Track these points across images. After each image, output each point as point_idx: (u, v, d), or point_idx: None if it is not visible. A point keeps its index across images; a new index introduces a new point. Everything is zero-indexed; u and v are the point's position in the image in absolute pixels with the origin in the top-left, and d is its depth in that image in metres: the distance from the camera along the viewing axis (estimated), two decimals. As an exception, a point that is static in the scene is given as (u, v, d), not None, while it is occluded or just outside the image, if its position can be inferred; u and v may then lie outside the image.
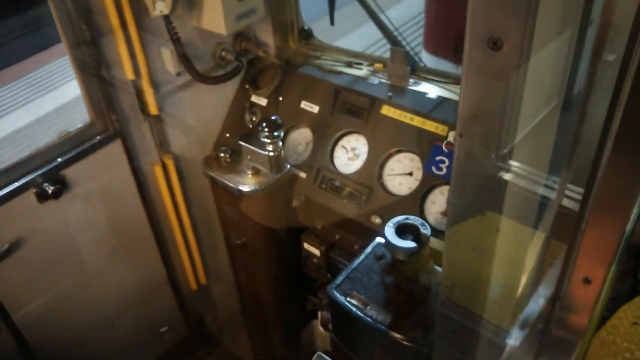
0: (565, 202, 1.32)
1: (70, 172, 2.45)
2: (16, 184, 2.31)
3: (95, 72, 2.39)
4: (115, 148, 2.58)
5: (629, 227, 0.88)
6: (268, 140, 2.38)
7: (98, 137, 2.51)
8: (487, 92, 0.93)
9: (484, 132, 0.98)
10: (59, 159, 2.41)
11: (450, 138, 2.17)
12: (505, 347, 1.26)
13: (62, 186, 2.41)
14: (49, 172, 2.38)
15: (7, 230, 2.35)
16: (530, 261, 1.44)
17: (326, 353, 3.26)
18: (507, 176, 1.09)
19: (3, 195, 2.28)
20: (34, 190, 2.35)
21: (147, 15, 2.29)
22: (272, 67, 2.74)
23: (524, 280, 1.44)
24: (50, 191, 2.36)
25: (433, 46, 2.37)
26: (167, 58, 2.45)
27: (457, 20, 2.07)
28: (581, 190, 1.19)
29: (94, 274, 2.80)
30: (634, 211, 0.85)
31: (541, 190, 1.31)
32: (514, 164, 1.10)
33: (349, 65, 2.62)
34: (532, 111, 1.05)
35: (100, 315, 2.94)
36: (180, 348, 3.50)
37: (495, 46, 0.86)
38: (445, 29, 2.17)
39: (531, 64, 0.89)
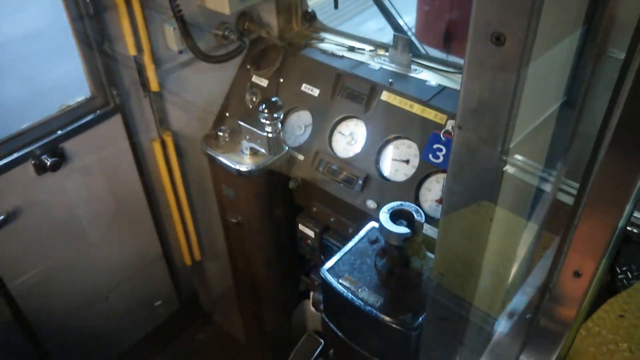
0: (560, 195, 1.34)
1: (69, 145, 2.46)
2: (15, 155, 2.31)
3: (97, 46, 2.38)
4: (115, 123, 2.58)
5: (621, 222, 0.88)
6: (267, 122, 2.39)
7: (98, 112, 2.51)
8: (488, 87, 0.94)
9: (484, 125, 0.99)
10: (59, 132, 2.41)
11: (449, 127, 2.19)
12: (493, 334, 1.28)
13: (60, 159, 2.42)
14: (48, 144, 2.39)
15: (4, 200, 2.36)
16: (521, 251, 1.46)
17: (316, 333, 3.31)
18: (504, 168, 1.11)
19: (1, 166, 2.28)
20: (33, 162, 2.35)
21: (151, -9, 2.29)
22: (274, 49, 2.74)
23: (514, 269, 1.47)
24: (48, 163, 2.37)
25: (424, 36, 2.40)
26: (170, 35, 2.45)
27: (449, 11, 2.10)
28: (576, 184, 1.20)
29: (90, 246, 2.82)
30: (628, 207, 0.86)
31: (536, 183, 1.33)
32: (511, 157, 1.12)
33: (351, 49, 2.63)
34: (533, 107, 1.06)
35: (95, 287, 2.97)
36: (173, 322, 3.54)
37: (498, 41, 0.87)
38: (437, 20, 2.19)
39: (534, 60, 0.90)
